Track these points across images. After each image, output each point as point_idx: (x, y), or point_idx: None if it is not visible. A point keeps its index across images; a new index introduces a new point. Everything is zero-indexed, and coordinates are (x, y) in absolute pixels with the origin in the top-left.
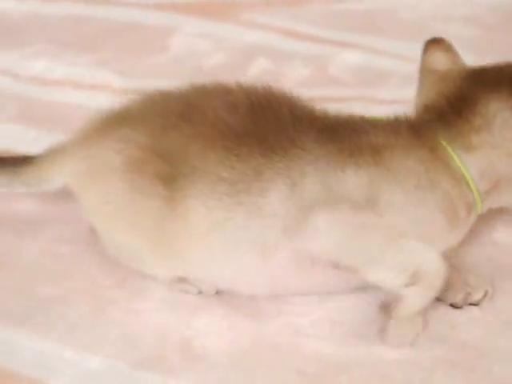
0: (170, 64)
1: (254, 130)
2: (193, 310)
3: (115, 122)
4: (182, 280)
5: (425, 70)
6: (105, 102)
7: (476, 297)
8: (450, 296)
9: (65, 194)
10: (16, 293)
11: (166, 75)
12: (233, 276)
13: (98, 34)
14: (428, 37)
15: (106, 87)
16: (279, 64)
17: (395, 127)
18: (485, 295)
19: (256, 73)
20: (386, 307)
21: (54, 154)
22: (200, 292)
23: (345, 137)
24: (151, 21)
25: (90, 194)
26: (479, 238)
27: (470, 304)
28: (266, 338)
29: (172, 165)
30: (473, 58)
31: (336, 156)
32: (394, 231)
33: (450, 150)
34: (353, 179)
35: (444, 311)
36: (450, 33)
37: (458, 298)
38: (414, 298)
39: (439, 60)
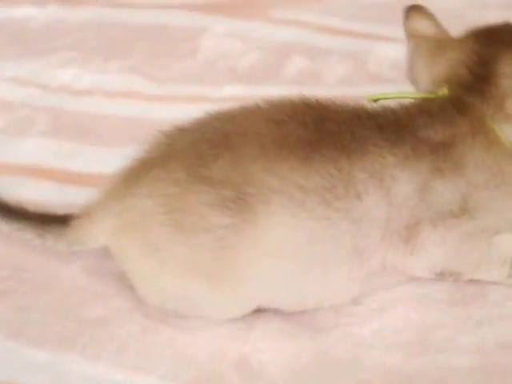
0: (201, 67)
1: (322, 135)
2: (247, 324)
3: (142, 167)
4: None
5: (416, 37)
6: (136, 110)
7: None
8: None
9: None
10: (61, 316)
11: (198, 79)
12: (318, 292)
13: (124, 39)
14: (466, 26)
15: (136, 94)
16: (315, 61)
17: (444, 114)
18: None
19: (292, 72)
20: None
21: (88, 215)
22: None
23: (407, 134)
24: (179, 22)
25: (133, 248)
26: None
27: None
28: (326, 351)
29: (230, 189)
30: None
31: (418, 162)
32: (490, 231)
33: (496, 127)
34: (443, 190)
35: (509, 313)
36: (487, 20)
37: None
38: None
39: (426, 26)
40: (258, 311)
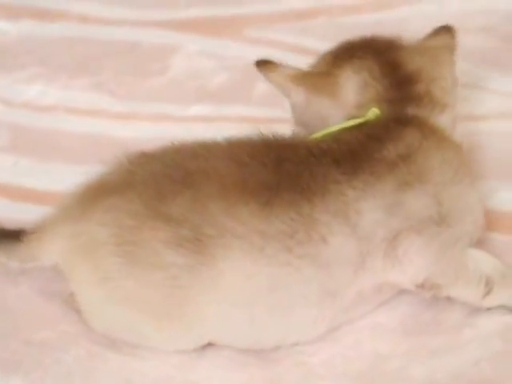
0: (170, 86)
1: (281, 177)
2: (197, 352)
3: (100, 191)
4: None
5: (293, 83)
6: (100, 128)
7: None
8: None
9: None
10: (6, 338)
11: (166, 98)
12: (280, 334)
13: (93, 56)
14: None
15: (101, 112)
16: None
17: (390, 132)
18: None
19: (261, 93)
20: None
21: (42, 231)
22: None
23: (363, 161)
24: (150, 40)
25: (83, 273)
26: None
27: None
28: (276, 380)
29: (188, 228)
30: (489, 68)
31: (380, 185)
32: (464, 239)
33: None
34: (416, 201)
35: (465, 346)
36: (466, 43)
37: None
38: (499, 302)
39: (286, 72)
40: None
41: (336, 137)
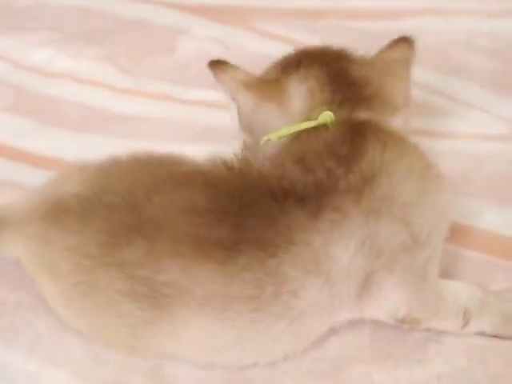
0: (175, 66)
1: (242, 233)
2: None
3: (60, 213)
4: None
5: (241, 89)
6: (101, 99)
7: None
8: None
9: None
10: None
11: (169, 78)
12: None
13: (104, 28)
14: (448, 66)
15: (106, 85)
16: None
17: (351, 148)
18: None
19: None
20: None
21: (7, 227)
22: None
23: (327, 197)
24: (161, 19)
25: (48, 288)
26: None
27: None
28: (240, 377)
29: (142, 282)
30: (489, 90)
31: (347, 223)
32: (437, 261)
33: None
34: (386, 229)
35: (429, 360)
36: (471, 63)
37: None
38: (478, 330)
39: (238, 76)
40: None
41: (298, 158)
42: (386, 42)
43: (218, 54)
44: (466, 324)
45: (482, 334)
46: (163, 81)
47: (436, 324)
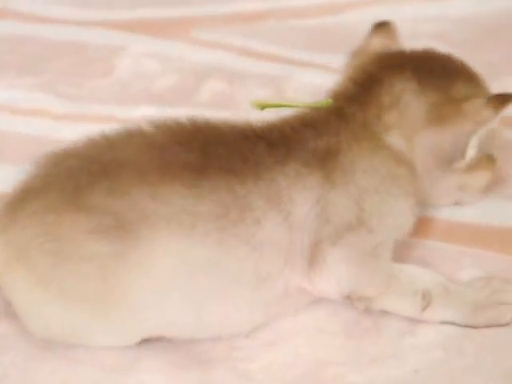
0: (115, 87)
1: (211, 159)
2: (135, 356)
3: (24, 196)
4: None
5: (355, 54)
6: (44, 128)
7: None
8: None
9: None
10: None
11: (111, 99)
12: (217, 320)
13: (38, 55)
14: None
15: (46, 113)
16: (233, 85)
17: (328, 125)
18: None
19: (208, 95)
20: None
21: None
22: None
23: (296, 149)
24: (95, 40)
25: (17, 280)
26: None
27: None
28: None
29: (110, 215)
30: None
31: (310, 178)
32: (388, 248)
33: (385, 133)
34: (337, 202)
35: (405, 354)
36: None
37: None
38: (440, 317)
39: (374, 44)
40: (148, 342)
41: (272, 123)
42: (329, 39)
43: (157, 68)
44: (425, 307)
45: (454, 324)
46: (104, 102)
47: (390, 304)
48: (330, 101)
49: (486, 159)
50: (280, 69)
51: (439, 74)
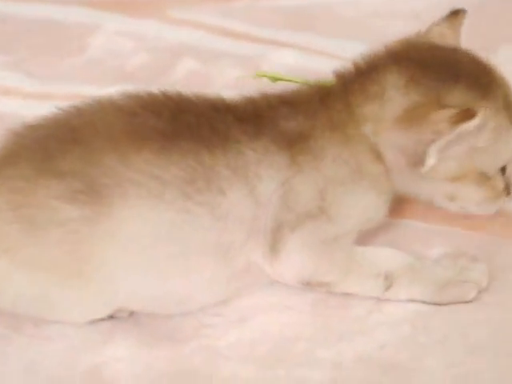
0: (88, 65)
1: (179, 127)
2: (104, 334)
3: None
4: None
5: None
6: (14, 107)
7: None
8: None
9: None
10: None
11: (84, 77)
12: (182, 291)
13: (11, 33)
14: (367, 35)
15: (17, 91)
16: (207, 64)
17: (308, 106)
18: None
19: (182, 74)
20: None
21: None
22: (112, 316)
23: (267, 126)
24: (69, 18)
25: None
26: None
27: None
28: (181, 361)
29: (80, 181)
30: None
31: (279, 157)
32: (350, 236)
33: (362, 124)
34: (302, 187)
35: (372, 331)
36: (391, 30)
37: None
38: (404, 295)
39: (434, 32)
40: (118, 320)
41: (250, 98)
42: (305, 19)
43: (131, 47)
44: (388, 287)
45: (422, 301)
46: (76, 80)
47: (351, 288)
48: (333, 81)
49: (477, 175)
50: (255, 48)
51: (437, 77)
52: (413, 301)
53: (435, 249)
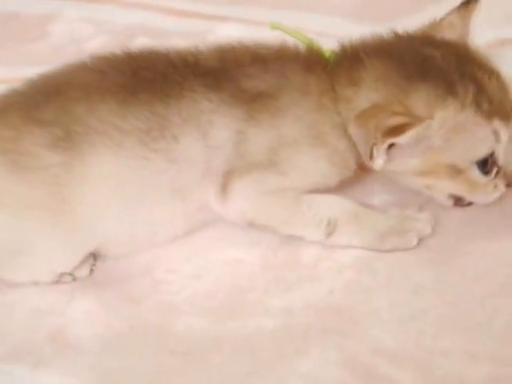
0: (50, 51)
1: (138, 81)
2: (66, 296)
3: None
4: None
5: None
6: None
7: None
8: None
9: None
10: None
11: (46, 62)
12: (147, 229)
13: None
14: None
15: None
16: (159, 42)
17: (286, 65)
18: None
19: None
20: None
21: None
22: (74, 279)
23: (229, 82)
24: (30, 9)
25: None
26: None
27: None
28: (139, 318)
29: (59, 128)
30: (357, 25)
31: (235, 109)
32: (297, 190)
33: (339, 102)
34: (255, 139)
35: (320, 277)
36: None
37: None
38: (346, 242)
39: (446, 22)
40: (79, 283)
41: (222, 51)
42: None
43: (89, 31)
44: (330, 233)
45: (363, 248)
46: (37, 66)
47: (295, 232)
48: (335, 50)
49: (448, 169)
50: (202, 24)
51: (407, 75)
52: (353, 247)
53: (378, 196)
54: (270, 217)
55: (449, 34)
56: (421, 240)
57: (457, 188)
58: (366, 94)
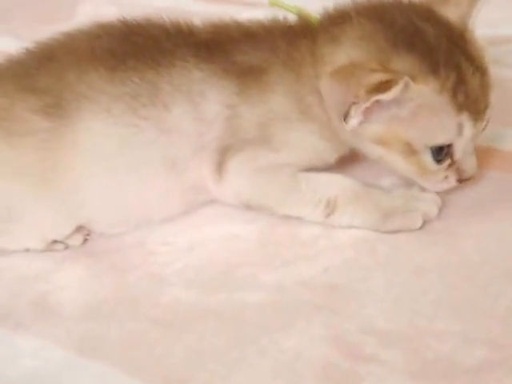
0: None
1: (128, 47)
2: (55, 264)
3: None
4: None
5: None
6: None
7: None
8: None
9: None
10: None
11: None
12: (138, 203)
13: (6, 6)
14: None
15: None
16: None
17: (273, 40)
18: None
19: None
20: None
21: None
22: (67, 247)
23: (221, 55)
24: None
25: None
26: None
27: None
28: (126, 288)
29: (51, 95)
30: None
31: (226, 82)
32: (293, 166)
33: (315, 64)
34: (246, 115)
35: (317, 255)
36: None
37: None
38: (347, 222)
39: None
40: (68, 252)
41: (216, 26)
42: None
43: (113, 13)
44: (329, 213)
45: (365, 229)
46: None
47: (293, 212)
48: (318, 17)
49: (403, 145)
50: (229, 10)
51: (394, 42)
52: (354, 227)
53: (386, 178)
54: (266, 196)
55: (453, 11)
56: (426, 222)
57: (406, 167)
58: (346, 51)
